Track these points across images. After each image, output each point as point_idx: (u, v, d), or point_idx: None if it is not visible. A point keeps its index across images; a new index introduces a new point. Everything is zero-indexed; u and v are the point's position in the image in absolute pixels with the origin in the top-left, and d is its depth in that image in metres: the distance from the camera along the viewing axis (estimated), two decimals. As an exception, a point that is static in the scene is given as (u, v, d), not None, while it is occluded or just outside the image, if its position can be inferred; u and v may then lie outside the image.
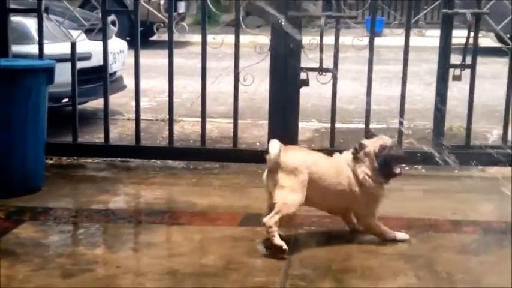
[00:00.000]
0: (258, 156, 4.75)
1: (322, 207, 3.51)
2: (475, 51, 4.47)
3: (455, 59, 4.49)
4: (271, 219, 3.23)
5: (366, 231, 3.46)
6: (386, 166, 3.34)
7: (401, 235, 3.44)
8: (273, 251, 3.22)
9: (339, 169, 3.37)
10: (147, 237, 3.52)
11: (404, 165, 3.75)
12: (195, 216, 3.80)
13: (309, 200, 3.31)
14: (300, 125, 4.90)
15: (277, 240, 3.21)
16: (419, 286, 2.98)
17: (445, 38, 4.48)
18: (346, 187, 3.34)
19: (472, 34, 4.41)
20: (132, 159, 4.86)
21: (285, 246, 3.20)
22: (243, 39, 4.63)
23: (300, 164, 3.27)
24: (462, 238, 3.50)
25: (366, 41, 4.55)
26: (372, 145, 3.38)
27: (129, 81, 5.69)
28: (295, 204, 3.26)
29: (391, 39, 5.78)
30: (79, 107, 4.95)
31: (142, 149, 4.84)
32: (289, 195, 3.25)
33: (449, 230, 3.65)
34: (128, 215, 3.85)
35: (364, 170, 3.34)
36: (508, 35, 5.01)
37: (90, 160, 4.90)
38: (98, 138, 5.33)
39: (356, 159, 3.36)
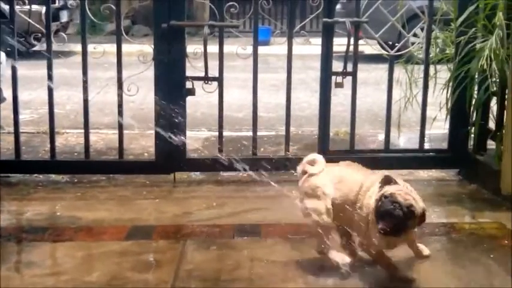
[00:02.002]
0: (146, 167, 4.71)
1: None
2: (355, 58, 4.57)
3: (338, 66, 4.58)
4: None
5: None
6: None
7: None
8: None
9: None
10: (27, 256, 3.37)
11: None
12: (79, 232, 3.66)
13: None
14: (190, 134, 4.86)
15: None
16: (307, 292, 3.01)
17: (326, 46, 4.56)
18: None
19: (352, 42, 4.50)
20: (13, 175, 4.65)
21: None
22: (130, 48, 4.54)
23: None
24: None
25: (250, 50, 4.56)
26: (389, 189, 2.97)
27: (9, 94, 5.45)
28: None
29: (278, 48, 5.85)
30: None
31: (23, 164, 4.64)
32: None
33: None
34: (7, 233, 3.66)
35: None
36: (390, 43, 5.18)
37: (-34, 177, 4.65)
38: (-26, 154, 5.06)
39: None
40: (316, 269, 3.19)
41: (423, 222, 2.99)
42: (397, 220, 2.85)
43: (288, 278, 3.13)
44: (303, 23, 4.90)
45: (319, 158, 3.31)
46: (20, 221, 3.95)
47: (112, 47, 4.55)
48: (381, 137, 5.04)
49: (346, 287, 3.05)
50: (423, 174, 4.82)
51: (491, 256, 3.35)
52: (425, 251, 3.30)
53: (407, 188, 2.98)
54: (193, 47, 4.49)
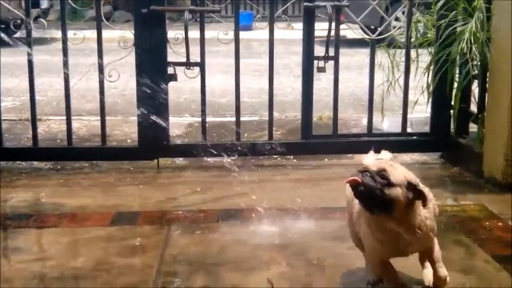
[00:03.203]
0: (129, 153, 4.70)
1: None
2: (337, 43, 4.58)
3: (320, 51, 4.59)
4: None
5: None
6: None
7: None
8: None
9: None
10: (12, 242, 3.37)
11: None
12: (63, 218, 3.66)
13: None
14: (173, 120, 4.86)
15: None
16: (292, 274, 3.02)
17: (308, 31, 4.56)
18: None
19: (333, 26, 4.51)
20: (-5, 162, 4.63)
21: None
22: (112, 34, 4.52)
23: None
24: (332, 225, 3.57)
25: (232, 35, 4.56)
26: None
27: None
28: None
29: (260, 33, 5.86)
30: None
31: (5, 151, 4.62)
32: None
33: (319, 218, 3.72)
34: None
35: None
36: (372, 27, 5.20)
37: (-52, 165, 4.62)
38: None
39: None
40: (299, 251, 3.22)
41: (425, 202, 2.56)
42: (369, 187, 2.47)
43: (272, 260, 3.15)
44: (284, 7, 4.90)
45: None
46: (3, 208, 3.93)
47: (93, 33, 4.53)
48: (364, 121, 5.07)
49: (325, 264, 3.08)
50: (406, 157, 4.85)
51: (473, 238, 3.38)
52: (444, 272, 2.83)
53: (388, 161, 2.65)
54: (174, 33, 4.49)
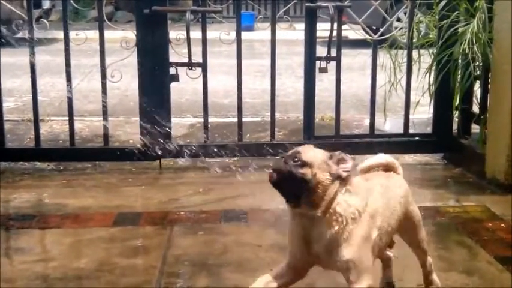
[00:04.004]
0: (132, 154, 4.70)
1: None
2: (339, 43, 4.58)
3: (322, 51, 4.59)
4: None
5: None
6: None
7: None
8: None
9: None
10: (15, 243, 3.37)
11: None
12: (65, 219, 3.66)
13: None
14: (175, 120, 4.87)
15: None
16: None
17: (310, 31, 4.57)
18: None
19: (335, 27, 4.51)
20: (-3, 162, 4.64)
21: None
22: (114, 34, 4.52)
23: None
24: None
25: (234, 35, 4.56)
26: None
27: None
28: None
29: (262, 33, 5.85)
30: None
31: (8, 152, 4.62)
32: None
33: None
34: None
35: None
36: (374, 27, 5.20)
37: (-49, 165, 4.63)
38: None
39: None
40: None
41: (346, 181, 2.28)
42: (279, 170, 2.27)
43: (274, 261, 3.14)
44: (286, 8, 4.90)
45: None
46: (6, 209, 3.94)
47: (95, 34, 4.53)
48: (366, 122, 5.07)
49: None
50: (408, 158, 4.86)
51: (475, 239, 3.38)
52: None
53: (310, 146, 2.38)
54: (176, 33, 4.49)
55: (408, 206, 2.61)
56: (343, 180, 2.29)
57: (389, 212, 2.46)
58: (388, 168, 2.65)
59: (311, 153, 2.30)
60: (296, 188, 2.26)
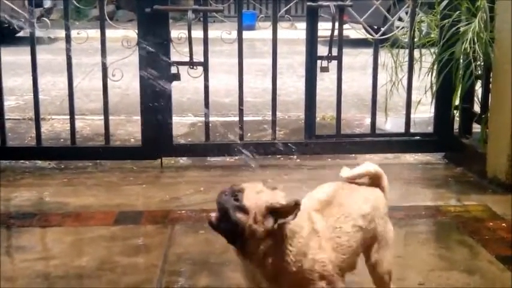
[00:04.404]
0: (133, 153, 4.71)
1: None
2: (340, 42, 4.57)
3: (324, 51, 4.59)
4: None
5: None
6: None
7: None
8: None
9: None
10: (16, 241, 3.38)
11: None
12: (66, 217, 3.66)
13: None
14: (176, 119, 4.86)
15: None
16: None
17: (311, 31, 4.57)
18: None
19: (337, 26, 4.51)
20: (-1, 161, 4.64)
21: None
22: (115, 33, 4.52)
23: None
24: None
25: (235, 34, 4.56)
26: None
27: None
28: None
29: (264, 32, 5.85)
30: None
31: (9, 150, 4.62)
32: None
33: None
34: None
35: None
36: (375, 27, 5.20)
37: (-47, 164, 4.63)
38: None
39: None
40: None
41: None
42: (220, 206, 2.18)
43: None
44: (287, 7, 4.91)
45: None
46: (7, 207, 3.94)
47: (96, 33, 4.53)
48: (367, 121, 5.07)
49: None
50: (409, 158, 4.86)
51: (477, 238, 3.38)
52: None
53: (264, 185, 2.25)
54: (177, 32, 4.49)
55: (376, 222, 2.45)
56: (279, 230, 2.12)
57: (342, 231, 2.32)
58: (374, 178, 2.54)
59: (254, 197, 2.14)
60: (231, 231, 2.14)
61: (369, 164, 2.57)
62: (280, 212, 2.11)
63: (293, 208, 2.11)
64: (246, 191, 2.16)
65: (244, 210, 2.11)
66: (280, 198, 2.15)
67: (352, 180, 2.52)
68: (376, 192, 2.53)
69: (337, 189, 2.47)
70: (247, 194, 2.14)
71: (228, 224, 2.14)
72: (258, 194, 2.16)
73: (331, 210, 2.36)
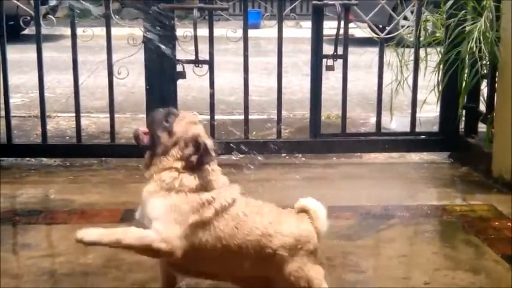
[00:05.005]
0: (138, 151, 4.69)
1: None
2: (345, 41, 4.57)
3: (329, 49, 4.58)
4: None
5: None
6: None
7: None
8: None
9: None
10: (22, 238, 3.38)
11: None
12: (72, 215, 3.67)
13: None
14: (181, 117, 4.85)
15: None
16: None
17: (317, 29, 4.56)
18: None
19: (342, 25, 4.50)
20: (4, 158, 4.64)
21: None
22: (121, 31, 4.52)
23: None
24: (340, 224, 3.57)
25: (240, 33, 4.56)
26: None
27: (-1, 77, 5.44)
28: None
29: (269, 31, 5.85)
30: None
31: (15, 147, 4.63)
32: None
33: (327, 217, 3.71)
34: (1, 216, 3.67)
35: None
36: (381, 26, 5.19)
37: (-42, 161, 4.64)
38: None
39: None
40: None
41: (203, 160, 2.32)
42: (152, 120, 2.44)
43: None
44: (292, 6, 4.90)
45: None
46: (13, 204, 3.95)
47: (102, 31, 4.54)
48: (372, 120, 5.06)
49: (334, 263, 3.07)
50: (415, 157, 4.86)
51: (482, 238, 3.38)
52: None
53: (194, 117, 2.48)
54: (183, 30, 4.49)
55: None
56: (192, 167, 2.30)
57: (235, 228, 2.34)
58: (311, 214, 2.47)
59: (184, 125, 2.34)
60: (150, 145, 2.38)
61: (311, 201, 2.52)
62: (203, 151, 2.28)
63: (215, 152, 2.33)
64: (179, 117, 2.34)
65: (169, 132, 2.32)
66: (209, 141, 2.33)
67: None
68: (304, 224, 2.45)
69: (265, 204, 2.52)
70: (179, 120, 2.33)
71: (150, 139, 2.37)
72: (189, 124, 2.35)
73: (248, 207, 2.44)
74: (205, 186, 2.34)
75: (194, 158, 2.31)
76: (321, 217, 2.48)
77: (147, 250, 2.26)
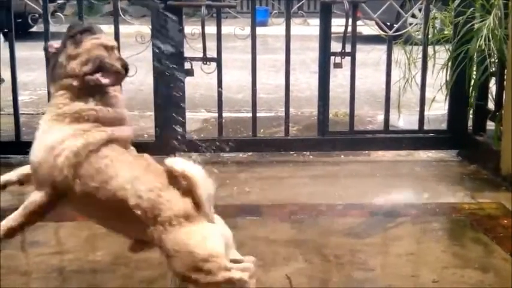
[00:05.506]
0: (146, 148, 4.69)
1: None
2: (353, 39, 4.56)
3: (336, 47, 4.58)
4: None
5: None
6: None
7: None
8: None
9: None
10: (31, 235, 3.37)
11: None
12: (80, 212, 3.67)
13: None
14: (189, 115, 4.85)
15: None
16: (309, 270, 3.02)
17: (325, 27, 4.56)
18: None
19: (350, 22, 4.49)
20: (13, 156, 4.65)
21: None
22: (128, 29, 4.52)
23: None
24: (349, 221, 3.57)
25: (248, 30, 4.56)
26: None
27: (7, 75, 5.44)
28: None
29: (277, 29, 5.84)
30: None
31: (23, 145, 4.62)
32: None
33: (336, 214, 3.72)
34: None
35: None
36: (389, 23, 5.18)
37: (-34, 158, 4.65)
38: (-26, 135, 5.06)
39: None
40: (316, 248, 3.22)
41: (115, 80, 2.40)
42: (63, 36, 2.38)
43: (289, 256, 3.15)
44: (300, 3, 4.90)
45: None
46: (21, 202, 3.94)
47: (110, 28, 4.54)
48: (380, 118, 5.05)
49: (342, 260, 3.08)
50: (423, 155, 4.84)
51: (491, 236, 3.37)
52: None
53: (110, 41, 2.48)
54: (191, 28, 4.49)
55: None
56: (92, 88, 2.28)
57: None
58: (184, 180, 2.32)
59: (93, 42, 2.33)
60: (54, 54, 2.35)
61: (180, 160, 2.39)
62: (102, 71, 2.28)
63: (118, 74, 2.34)
64: (95, 35, 2.32)
65: (76, 44, 2.31)
66: (118, 64, 2.34)
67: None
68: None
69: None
70: (90, 38, 2.31)
71: (58, 48, 2.35)
72: (100, 46, 2.33)
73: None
74: (93, 117, 2.31)
75: (90, 78, 2.28)
76: (196, 181, 2.30)
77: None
